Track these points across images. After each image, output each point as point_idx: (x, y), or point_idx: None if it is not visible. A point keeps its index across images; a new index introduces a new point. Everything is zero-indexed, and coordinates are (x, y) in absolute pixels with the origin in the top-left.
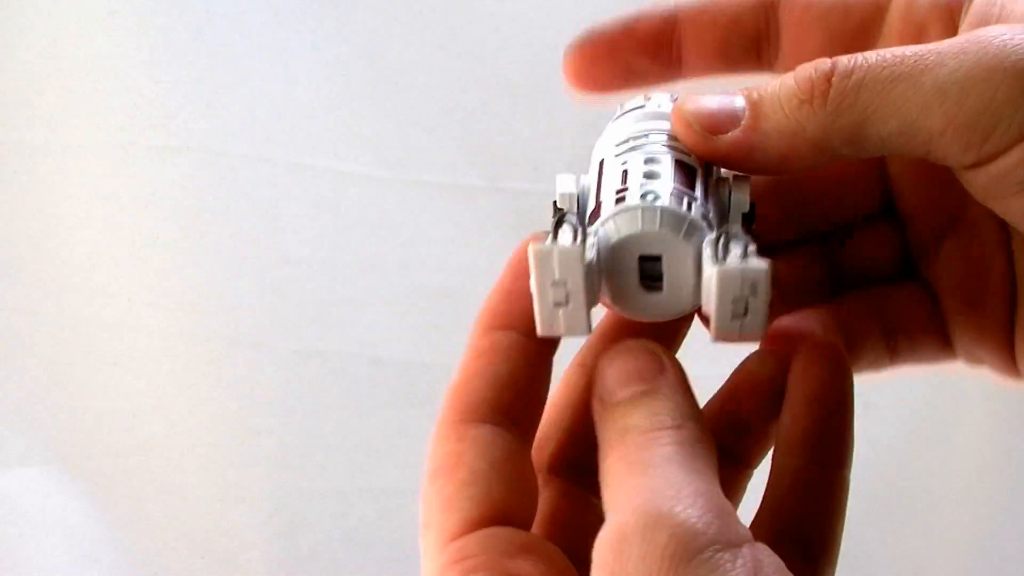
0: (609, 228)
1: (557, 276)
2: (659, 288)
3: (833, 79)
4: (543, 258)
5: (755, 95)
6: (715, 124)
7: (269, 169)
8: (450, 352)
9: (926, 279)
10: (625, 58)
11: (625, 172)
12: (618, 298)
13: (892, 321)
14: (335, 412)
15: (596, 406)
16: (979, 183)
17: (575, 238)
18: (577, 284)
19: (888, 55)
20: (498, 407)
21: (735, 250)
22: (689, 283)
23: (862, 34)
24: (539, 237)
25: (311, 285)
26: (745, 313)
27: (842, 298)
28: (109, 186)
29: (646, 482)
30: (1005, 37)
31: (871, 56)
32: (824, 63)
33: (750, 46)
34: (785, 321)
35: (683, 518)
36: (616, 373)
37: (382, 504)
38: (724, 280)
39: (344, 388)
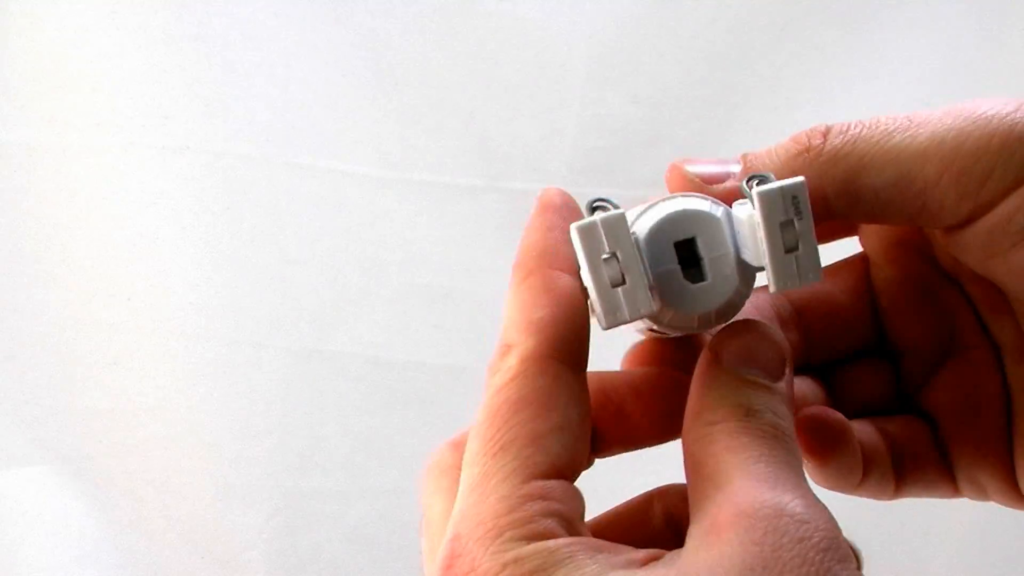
0: (639, 225)
1: (607, 249)
2: (702, 276)
3: (829, 135)
4: (588, 233)
5: (751, 154)
6: (711, 176)
7: (269, 169)
8: (450, 352)
9: (923, 411)
10: None
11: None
12: (667, 296)
13: (898, 449)
14: (335, 412)
15: (709, 358)
16: (976, 240)
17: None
18: (629, 253)
19: (882, 117)
20: (581, 357)
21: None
22: (730, 262)
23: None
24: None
25: (311, 285)
26: (796, 246)
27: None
28: (109, 186)
29: (788, 481)
30: (992, 101)
31: (865, 120)
32: (819, 126)
33: None
34: (815, 409)
35: (826, 527)
36: (743, 346)
37: (382, 504)
38: (765, 201)
39: (344, 388)
